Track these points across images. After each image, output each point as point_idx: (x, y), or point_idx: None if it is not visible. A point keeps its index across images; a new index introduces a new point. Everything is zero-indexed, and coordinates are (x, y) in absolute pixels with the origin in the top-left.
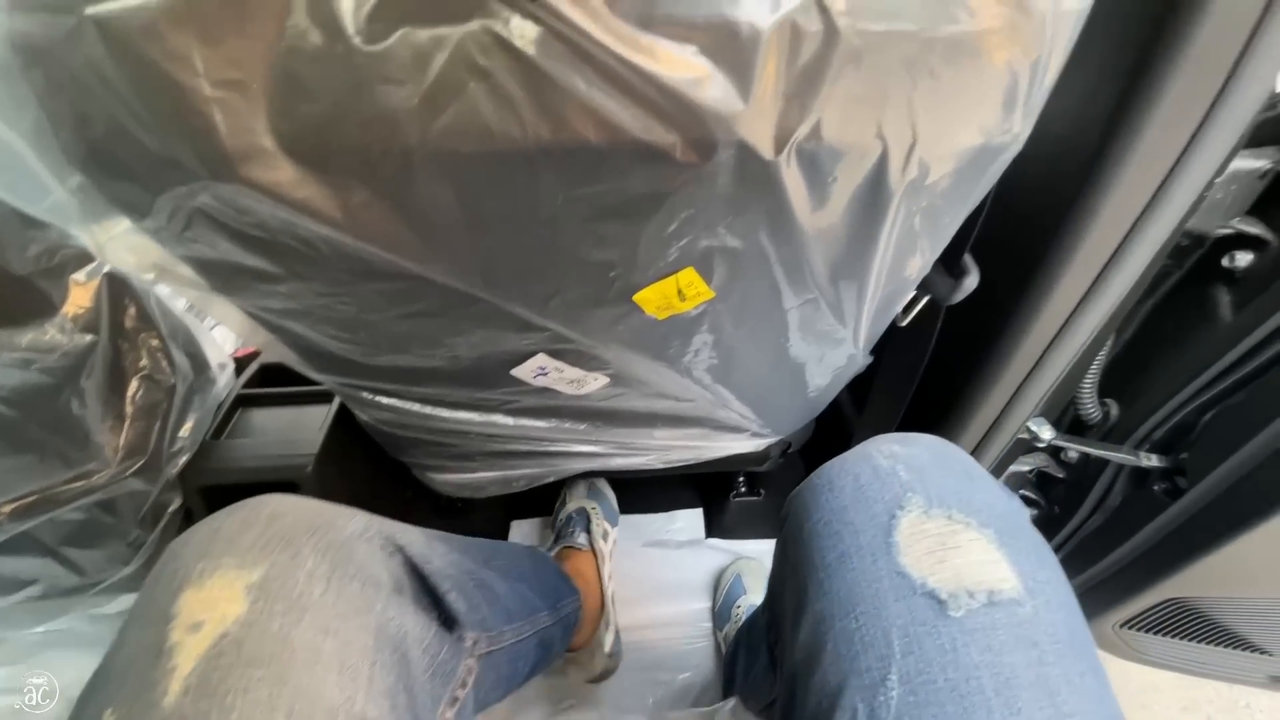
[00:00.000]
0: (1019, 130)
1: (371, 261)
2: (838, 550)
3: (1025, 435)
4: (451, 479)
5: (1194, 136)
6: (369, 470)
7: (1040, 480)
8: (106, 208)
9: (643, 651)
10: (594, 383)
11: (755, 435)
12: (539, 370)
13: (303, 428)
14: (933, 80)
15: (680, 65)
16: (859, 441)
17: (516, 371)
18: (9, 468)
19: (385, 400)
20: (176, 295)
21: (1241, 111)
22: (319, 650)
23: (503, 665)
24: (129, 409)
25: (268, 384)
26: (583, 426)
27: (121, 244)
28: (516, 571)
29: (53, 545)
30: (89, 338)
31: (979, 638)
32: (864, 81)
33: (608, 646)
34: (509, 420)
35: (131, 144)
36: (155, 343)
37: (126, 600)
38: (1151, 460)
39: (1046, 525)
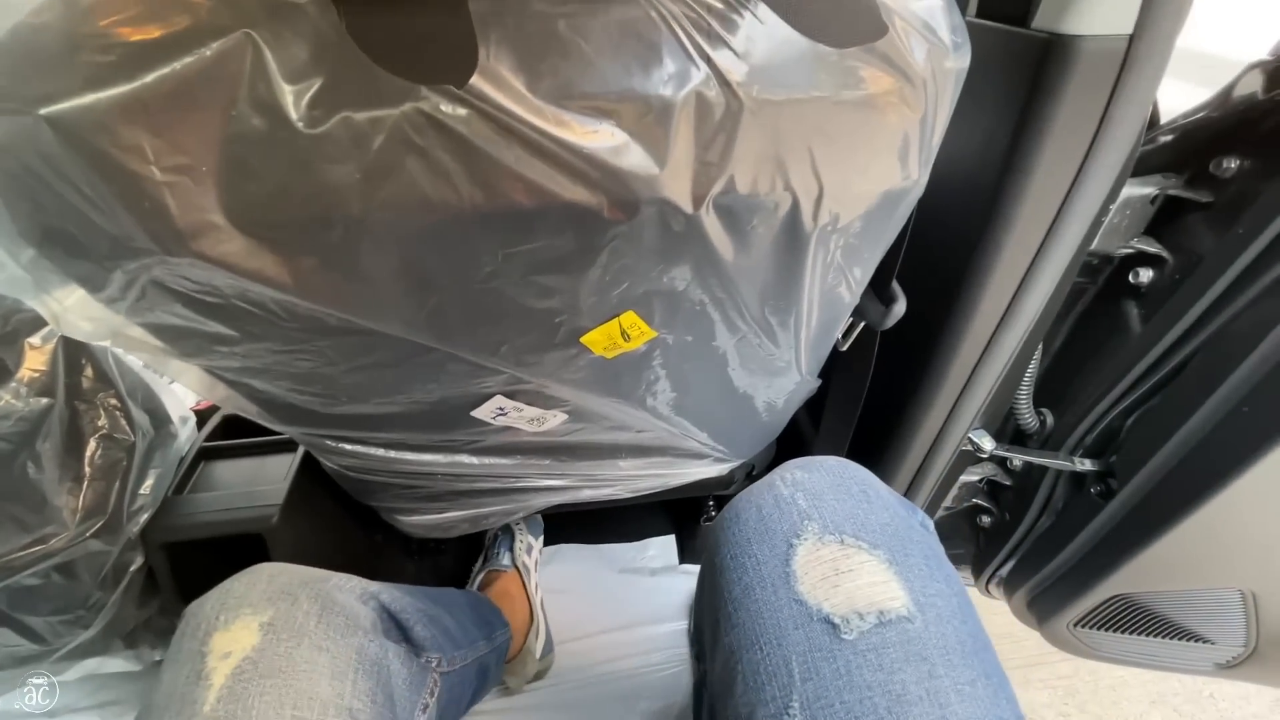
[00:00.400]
0: (917, 176)
1: (324, 320)
2: (743, 583)
3: (968, 447)
4: (421, 520)
5: (1080, 170)
6: (337, 516)
7: (991, 488)
8: (61, 280)
9: (622, 681)
10: (554, 419)
11: (718, 460)
12: (498, 411)
13: (267, 478)
14: (831, 140)
15: (600, 136)
16: None
17: (477, 413)
18: None
19: (349, 447)
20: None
21: (1119, 146)
22: (315, 663)
23: (455, 687)
24: (87, 470)
25: (231, 435)
26: (547, 462)
27: (77, 313)
28: (457, 608)
29: (7, 612)
30: (44, 401)
31: (871, 658)
32: (767, 142)
33: (538, 652)
34: (474, 460)
35: (85, 225)
36: (114, 402)
37: (88, 665)
38: (1085, 464)
39: (1000, 531)
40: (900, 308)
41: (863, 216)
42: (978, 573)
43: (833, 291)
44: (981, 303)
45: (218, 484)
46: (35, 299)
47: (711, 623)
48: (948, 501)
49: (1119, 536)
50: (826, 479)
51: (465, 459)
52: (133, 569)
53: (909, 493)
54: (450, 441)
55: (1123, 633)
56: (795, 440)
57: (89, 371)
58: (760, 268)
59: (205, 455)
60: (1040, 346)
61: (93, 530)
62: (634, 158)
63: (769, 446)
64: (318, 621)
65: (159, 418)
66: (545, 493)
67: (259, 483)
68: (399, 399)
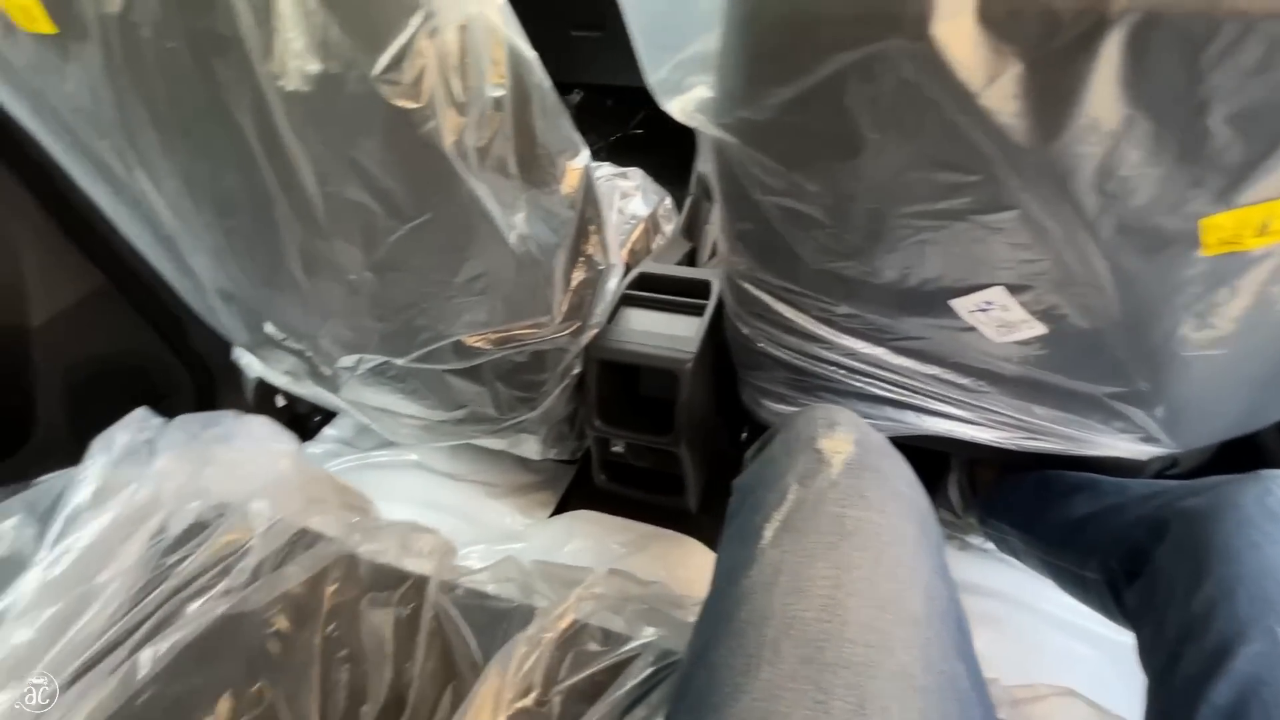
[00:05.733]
0: None
1: (976, 146)
2: (1249, 540)
3: None
4: (785, 410)
5: None
6: (715, 385)
7: None
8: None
9: None
10: (1025, 331)
11: (1148, 440)
12: (983, 304)
13: (678, 329)
14: None
15: None
16: None
17: (956, 302)
18: (516, 300)
19: (785, 311)
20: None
21: None
22: (893, 472)
23: None
24: (574, 281)
25: (643, 289)
26: (963, 381)
27: (698, 107)
28: None
29: (492, 378)
30: (571, 213)
31: None
32: None
33: None
34: (891, 358)
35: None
36: (596, 234)
37: (512, 439)
38: None
39: None
40: None
41: None
42: None
43: None
44: None
45: (637, 325)
46: (670, 97)
47: (1193, 570)
48: None
49: None
50: None
51: (884, 354)
52: (574, 372)
53: None
54: (890, 329)
55: None
56: (1243, 451)
57: (591, 201)
58: None
59: (625, 301)
60: None
61: (569, 330)
62: None
63: (1209, 447)
64: (883, 448)
65: (608, 257)
66: (930, 416)
67: (673, 331)
68: (906, 262)
